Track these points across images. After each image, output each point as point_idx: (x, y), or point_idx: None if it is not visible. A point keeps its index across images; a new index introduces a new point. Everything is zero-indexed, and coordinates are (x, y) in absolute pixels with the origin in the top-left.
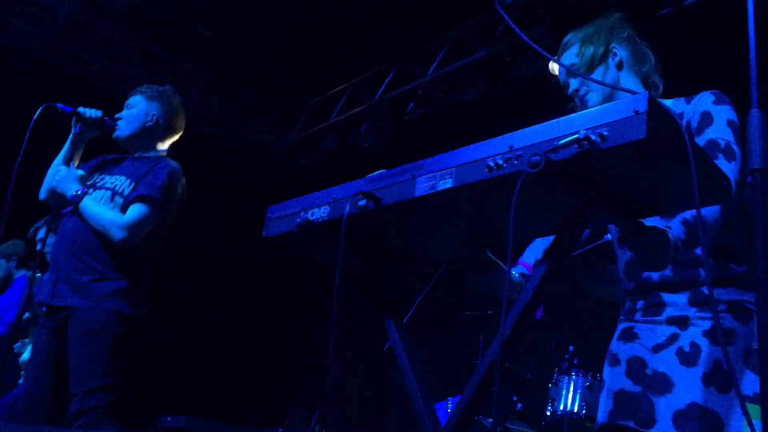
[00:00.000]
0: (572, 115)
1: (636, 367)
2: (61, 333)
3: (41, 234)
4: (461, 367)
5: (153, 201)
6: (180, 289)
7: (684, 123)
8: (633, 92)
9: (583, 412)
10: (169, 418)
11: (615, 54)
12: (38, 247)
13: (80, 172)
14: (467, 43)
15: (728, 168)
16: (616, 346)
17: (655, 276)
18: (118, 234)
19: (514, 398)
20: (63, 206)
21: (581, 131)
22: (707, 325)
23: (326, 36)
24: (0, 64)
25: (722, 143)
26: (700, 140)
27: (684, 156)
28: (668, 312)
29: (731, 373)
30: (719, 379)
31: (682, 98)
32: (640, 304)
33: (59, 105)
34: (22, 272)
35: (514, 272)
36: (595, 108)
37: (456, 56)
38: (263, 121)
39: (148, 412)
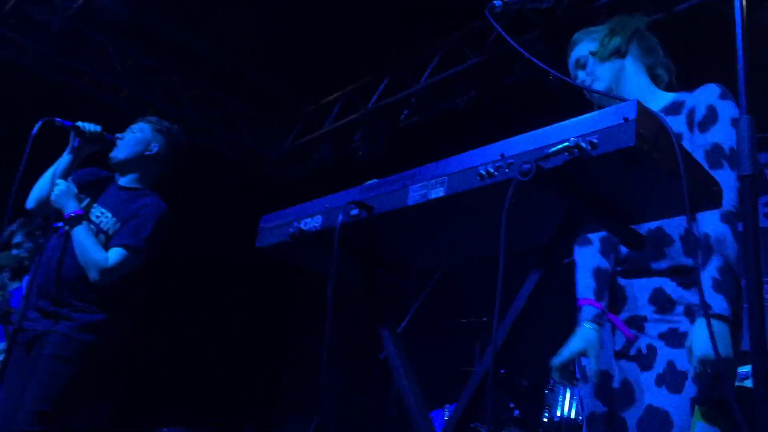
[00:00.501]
0: (562, 122)
1: (603, 383)
2: (30, 350)
3: (18, 238)
4: (457, 375)
5: (136, 251)
6: (175, 300)
7: (687, 110)
8: (623, 99)
9: (580, 418)
10: (164, 430)
11: (626, 50)
12: (14, 252)
13: (75, 189)
14: (460, 50)
15: (732, 178)
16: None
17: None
18: (93, 275)
19: (511, 405)
20: (54, 219)
21: (572, 139)
22: (664, 327)
23: (319, 44)
24: None
25: (726, 148)
26: (704, 138)
27: (674, 162)
28: (627, 311)
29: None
30: (671, 380)
31: (685, 91)
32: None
33: (58, 119)
34: (15, 284)
35: (586, 324)
36: (584, 116)
37: (449, 63)
38: (257, 131)
39: (145, 424)
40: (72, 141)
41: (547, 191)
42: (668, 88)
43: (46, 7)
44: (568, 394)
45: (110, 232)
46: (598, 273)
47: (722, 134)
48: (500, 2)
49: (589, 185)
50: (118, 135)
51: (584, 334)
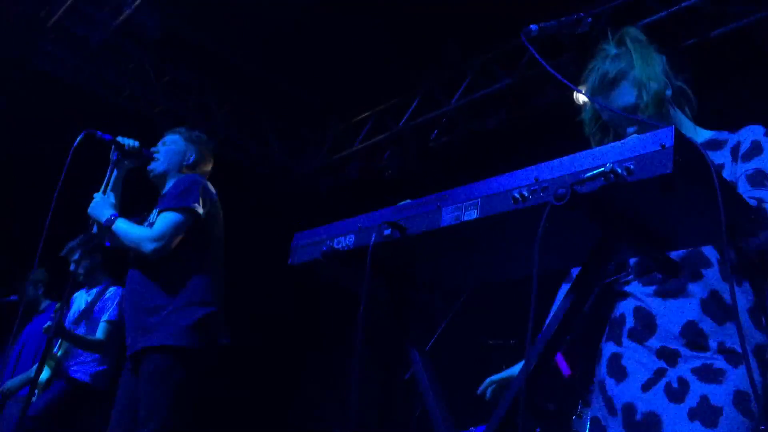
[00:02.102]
0: (598, 147)
1: (628, 417)
2: (137, 371)
3: (76, 256)
4: (483, 397)
5: (175, 209)
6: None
7: (731, 145)
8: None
9: None
10: None
11: (667, 87)
12: (72, 267)
13: (112, 199)
14: (492, 71)
15: None
16: (610, 385)
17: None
18: (147, 246)
19: (537, 429)
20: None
21: (608, 164)
22: (697, 363)
23: (352, 62)
24: (34, 89)
25: None
26: (747, 165)
27: (711, 190)
28: (657, 341)
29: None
30: (705, 414)
31: (726, 131)
32: (633, 323)
33: (98, 132)
34: (47, 301)
35: None
36: (621, 141)
37: (481, 84)
38: (287, 147)
39: None
40: (111, 155)
41: (582, 216)
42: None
43: (86, 23)
44: None
45: (154, 219)
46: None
47: (765, 161)
48: (536, 27)
49: (623, 211)
50: (153, 149)
51: (521, 365)
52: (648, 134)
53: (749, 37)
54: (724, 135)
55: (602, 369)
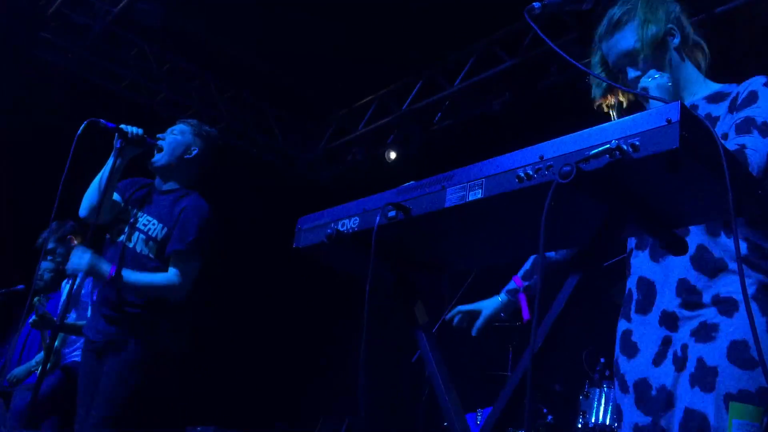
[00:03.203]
0: (603, 125)
1: (642, 392)
2: (102, 356)
3: (51, 245)
4: (490, 379)
5: (188, 254)
6: (209, 302)
7: (731, 98)
8: (665, 101)
9: (615, 424)
10: (198, 428)
11: (673, 34)
12: (48, 258)
13: (88, 253)
14: (495, 53)
15: (762, 142)
16: (622, 362)
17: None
18: (178, 296)
19: (545, 410)
20: (107, 227)
21: (613, 141)
22: (695, 324)
23: (353, 47)
24: (35, 78)
25: (759, 120)
26: (738, 115)
27: (718, 165)
28: (658, 307)
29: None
30: (702, 378)
31: (734, 83)
32: (637, 294)
33: (102, 120)
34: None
35: (500, 295)
36: (626, 118)
37: (483, 66)
38: (290, 134)
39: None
40: (115, 143)
41: (587, 194)
42: (707, 76)
43: (86, 11)
44: (603, 400)
45: (159, 238)
46: (540, 258)
47: (757, 110)
48: (539, 4)
49: (629, 188)
50: (159, 136)
51: (491, 300)
52: (653, 110)
53: (753, 14)
54: (729, 87)
55: (616, 348)
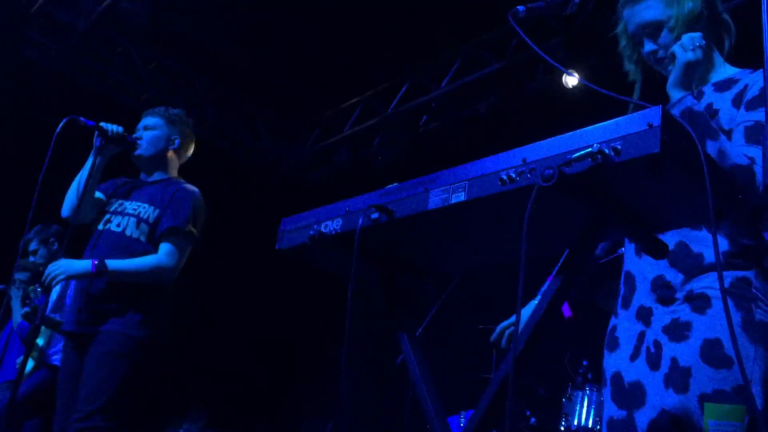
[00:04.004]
0: (585, 128)
1: (617, 386)
2: (83, 352)
3: (33, 246)
4: (474, 381)
5: (182, 233)
6: (192, 303)
7: (739, 88)
8: (646, 105)
9: (597, 427)
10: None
11: (704, 12)
12: (31, 259)
13: (61, 258)
14: (481, 56)
15: None
16: (605, 357)
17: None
18: (169, 278)
19: (528, 413)
20: (90, 225)
21: (594, 145)
22: (667, 319)
23: (339, 49)
24: (19, 77)
25: None
26: (749, 115)
27: (699, 170)
28: (636, 301)
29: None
30: (676, 378)
31: (749, 69)
32: (623, 289)
33: (81, 118)
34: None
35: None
36: (608, 122)
37: (470, 69)
38: (276, 135)
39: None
40: (95, 141)
41: (570, 197)
42: (728, 57)
43: (70, 9)
44: (585, 403)
45: (151, 220)
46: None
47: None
48: (523, 8)
49: (611, 192)
50: (136, 135)
51: (527, 306)
52: (635, 114)
53: (742, 16)
54: (741, 74)
55: (605, 343)
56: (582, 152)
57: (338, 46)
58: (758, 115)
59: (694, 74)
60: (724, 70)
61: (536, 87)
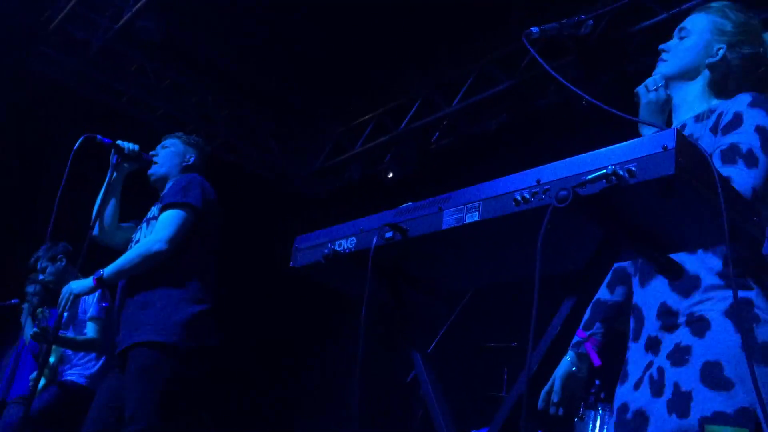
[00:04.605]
0: (600, 150)
1: (621, 416)
2: (124, 367)
3: (42, 264)
4: (484, 399)
5: (178, 204)
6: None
7: (715, 116)
8: (661, 127)
9: None
10: None
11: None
12: (41, 277)
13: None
14: (492, 73)
15: (747, 174)
16: (616, 389)
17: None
18: (159, 248)
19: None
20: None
21: (609, 166)
22: (671, 346)
23: (351, 66)
24: (35, 93)
25: (744, 148)
26: (723, 139)
27: (713, 192)
28: (645, 332)
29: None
30: (678, 403)
31: (729, 99)
32: (632, 322)
33: (98, 136)
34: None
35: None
36: (623, 143)
37: (481, 87)
38: (288, 151)
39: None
40: (111, 158)
41: (584, 218)
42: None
43: (87, 27)
44: (598, 423)
45: (156, 214)
46: (595, 304)
47: (743, 136)
48: (537, 29)
49: (626, 213)
50: (152, 152)
51: (560, 365)
52: (649, 136)
53: None
54: (719, 105)
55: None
56: (596, 173)
57: (350, 63)
58: (732, 137)
59: (658, 112)
60: (707, 103)
61: (547, 105)
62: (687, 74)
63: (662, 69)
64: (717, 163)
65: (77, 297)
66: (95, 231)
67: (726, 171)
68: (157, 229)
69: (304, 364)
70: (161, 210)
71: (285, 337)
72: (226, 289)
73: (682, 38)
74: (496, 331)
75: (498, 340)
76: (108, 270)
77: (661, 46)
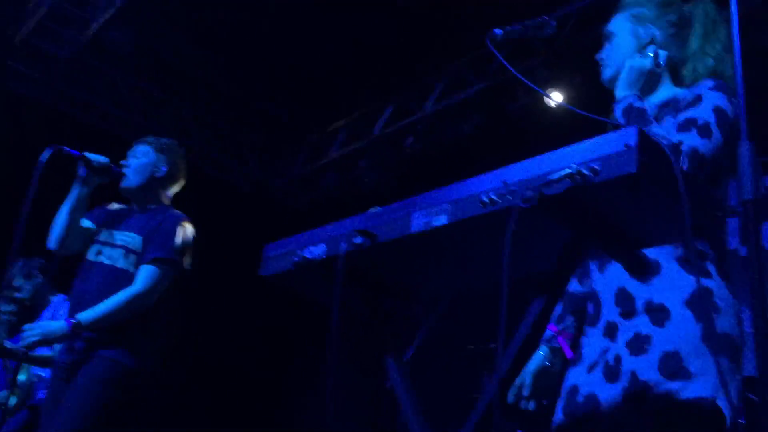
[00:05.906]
0: (564, 148)
1: (570, 398)
2: (71, 378)
3: (17, 282)
4: (466, 402)
5: (166, 262)
6: (178, 328)
7: (678, 103)
8: (620, 125)
9: None
10: None
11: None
12: (16, 295)
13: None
14: (464, 76)
15: (698, 140)
16: (567, 372)
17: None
18: (143, 302)
19: (519, 430)
20: (80, 256)
21: (573, 165)
22: (630, 334)
23: (323, 72)
24: (3, 109)
25: (701, 121)
26: (681, 117)
27: (676, 188)
28: (603, 318)
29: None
30: (635, 392)
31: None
32: (590, 307)
33: (65, 148)
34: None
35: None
36: (586, 142)
37: (453, 90)
38: (262, 160)
39: None
40: (79, 171)
41: (550, 218)
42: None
43: (55, 39)
44: None
45: (138, 250)
46: (566, 297)
47: (700, 112)
48: (501, 31)
49: (591, 211)
50: (122, 162)
51: (532, 359)
52: (612, 134)
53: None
54: (682, 93)
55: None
56: (561, 173)
57: (322, 69)
58: (690, 113)
59: (640, 79)
60: (667, 91)
61: (520, 106)
62: None
63: (606, 74)
64: (673, 133)
65: (46, 342)
66: (55, 245)
67: (679, 137)
68: (144, 281)
69: (279, 373)
70: (153, 261)
71: (266, 351)
72: (209, 303)
73: (610, 42)
74: (474, 333)
75: (476, 342)
76: (86, 317)
77: (597, 57)
